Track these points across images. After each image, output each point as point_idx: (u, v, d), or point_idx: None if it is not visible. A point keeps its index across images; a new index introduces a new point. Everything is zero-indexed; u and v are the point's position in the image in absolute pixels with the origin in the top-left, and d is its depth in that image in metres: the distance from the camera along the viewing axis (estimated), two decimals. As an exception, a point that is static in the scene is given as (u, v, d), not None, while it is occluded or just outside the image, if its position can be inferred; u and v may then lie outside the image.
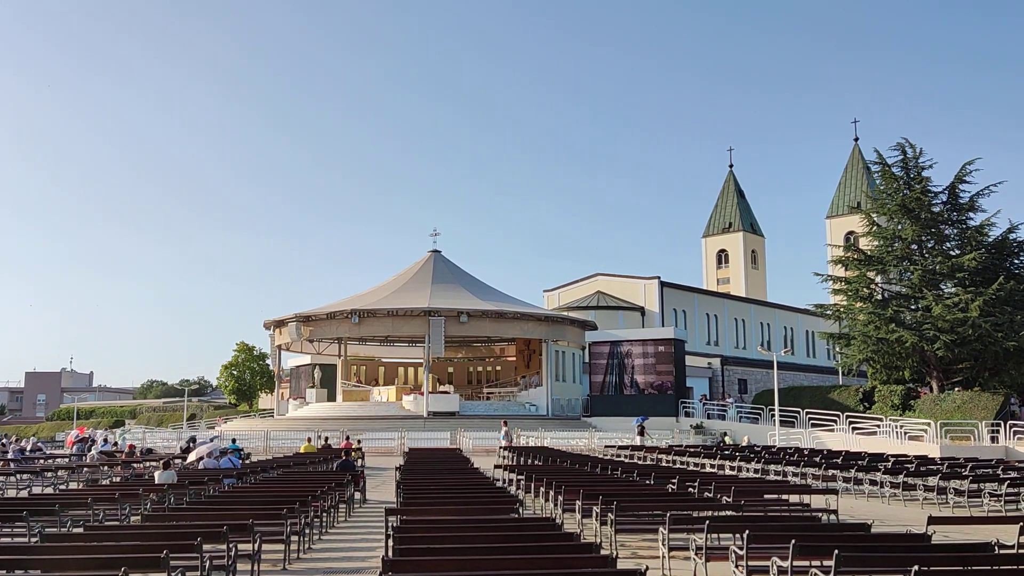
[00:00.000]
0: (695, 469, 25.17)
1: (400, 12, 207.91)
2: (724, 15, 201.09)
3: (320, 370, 60.27)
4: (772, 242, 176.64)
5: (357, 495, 20.14)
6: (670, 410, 48.48)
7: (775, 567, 9.33)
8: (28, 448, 37.13)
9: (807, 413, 44.15)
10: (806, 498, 16.72)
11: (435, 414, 48.38)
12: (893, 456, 26.61)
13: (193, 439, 37.14)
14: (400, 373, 63.72)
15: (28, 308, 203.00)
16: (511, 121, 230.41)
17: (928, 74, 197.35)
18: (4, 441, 47.58)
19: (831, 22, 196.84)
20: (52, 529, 12.43)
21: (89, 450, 36.86)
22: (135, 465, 27.62)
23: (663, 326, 60.38)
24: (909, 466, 22.91)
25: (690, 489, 16.78)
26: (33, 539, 11.70)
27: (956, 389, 43.93)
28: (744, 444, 35.46)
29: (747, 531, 9.86)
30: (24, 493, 21.44)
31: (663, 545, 11.59)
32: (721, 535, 11.99)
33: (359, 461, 28.24)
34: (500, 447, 33.65)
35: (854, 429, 39.97)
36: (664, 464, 27.36)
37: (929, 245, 46.96)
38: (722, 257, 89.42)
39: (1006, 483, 18.66)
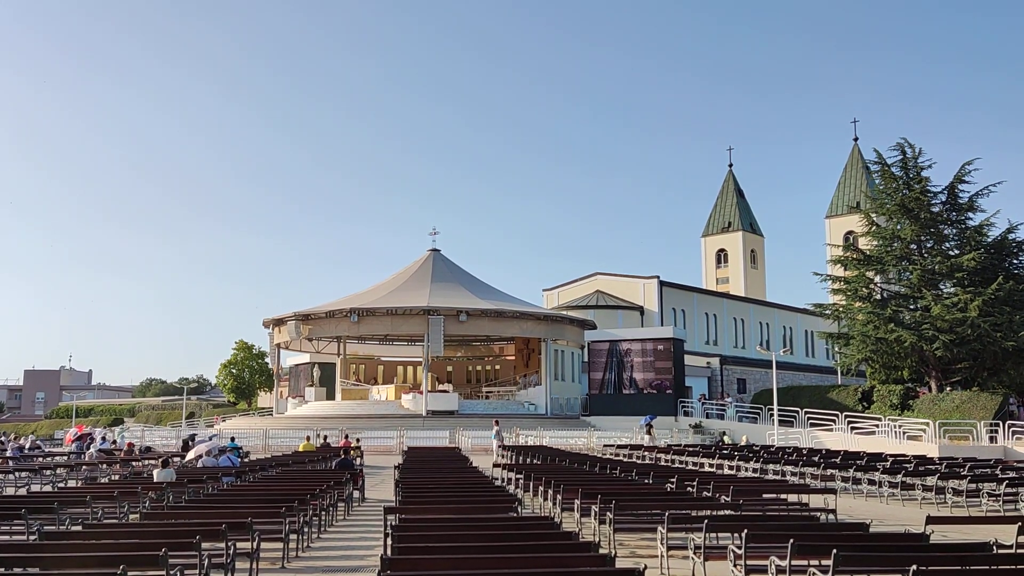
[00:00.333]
0: (694, 468, 25.19)
1: (400, 12, 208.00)
2: (724, 15, 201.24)
3: (319, 369, 60.29)
4: (771, 242, 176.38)
5: (356, 494, 20.16)
6: (669, 409, 48.50)
7: (773, 566, 9.33)
8: (27, 446, 37.18)
9: (806, 413, 44.16)
10: (804, 498, 16.71)
11: (434, 413, 48.40)
12: (892, 456, 26.61)
13: (192, 437, 37.11)
14: (399, 372, 63.74)
15: (27, 305, 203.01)
16: (511, 121, 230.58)
17: (928, 74, 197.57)
18: (3, 439, 47.55)
19: (831, 22, 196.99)
20: (51, 527, 12.43)
21: (88, 448, 36.83)
22: (134, 463, 27.63)
23: (662, 325, 60.35)
24: (907, 466, 22.92)
25: (689, 488, 16.80)
26: (32, 537, 11.70)
27: (954, 389, 43.97)
28: (743, 444, 35.48)
29: (745, 530, 9.86)
30: (23, 491, 21.45)
31: (662, 544, 11.60)
32: (720, 534, 11.99)
33: (358, 460, 28.23)
34: (497, 447, 33.63)
35: (853, 429, 39.98)
36: (663, 463, 27.36)
37: (928, 245, 46.97)
38: (721, 257, 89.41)
39: (1004, 483, 18.66)
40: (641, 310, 65.01)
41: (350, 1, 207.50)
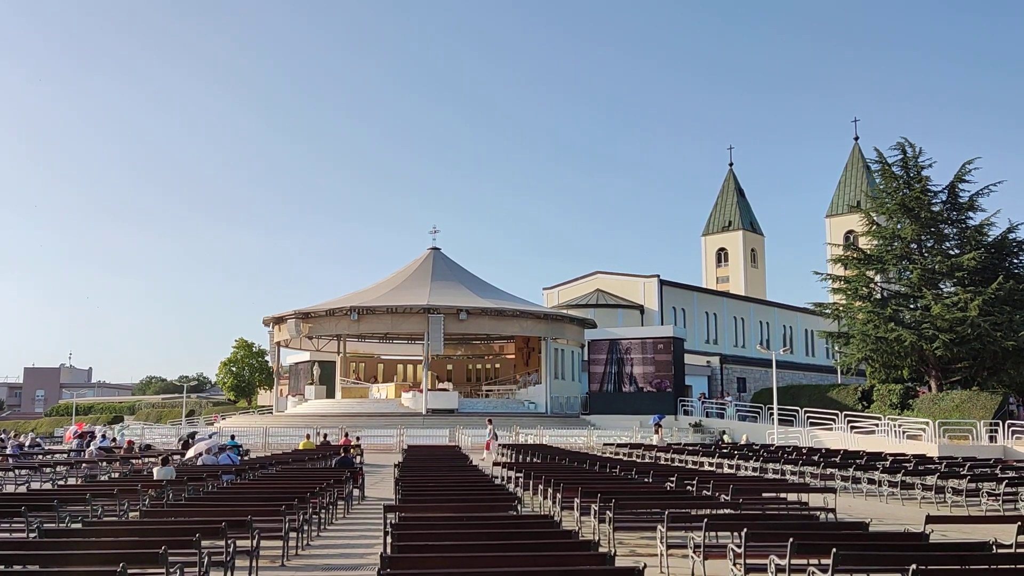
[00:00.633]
0: (693, 467, 25.19)
1: (400, 12, 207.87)
2: (724, 15, 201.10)
3: (319, 367, 60.28)
4: (772, 241, 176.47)
5: (356, 492, 20.15)
6: (669, 408, 48.49)
7: (773, 565, 9.32)
8: (27, 444, 37.15)
9: (806, 412, 44.17)
10: (804, 497, 16.71)
11: (434, 411, 48.42)
12: (891, 455, 26.60)
13: (192, 435, 37.10)
14: (399, 370, 63.74)
15: (27, 303, 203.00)
16: (511, 121, 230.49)
17: (928, 74, 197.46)
18: (3, 437, 47.51)
19: (831, 22, 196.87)
20: (51, 525, 12.42)
21: (88, 446, 36.81)
22: (134, 461, 27.62)
23: (662, 324, 60.35)
24: (907, 465, 22.91)
25: (688, 487, 16.79)
26: (32, 535, 11.71)
27: (953, 388, 43.96)
28: (743, 443, 35.48)
29: (745, 529, 9.86)
30: (23, 489, 21.42)
31: (661, 543, 11.60)
32: (719, 533, 11.98)
33: (358, 458, 28.21)
34: (496, 445, 33.59)
35: (852, 428, 39.99)
36: (663, 462, 27.35)
37: (928, 244, 46.97)
38: (721, 256, 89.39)
39: (1004, 483, 18.65)
40: (641, 309, 65.00)
41: (350, 1, 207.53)
